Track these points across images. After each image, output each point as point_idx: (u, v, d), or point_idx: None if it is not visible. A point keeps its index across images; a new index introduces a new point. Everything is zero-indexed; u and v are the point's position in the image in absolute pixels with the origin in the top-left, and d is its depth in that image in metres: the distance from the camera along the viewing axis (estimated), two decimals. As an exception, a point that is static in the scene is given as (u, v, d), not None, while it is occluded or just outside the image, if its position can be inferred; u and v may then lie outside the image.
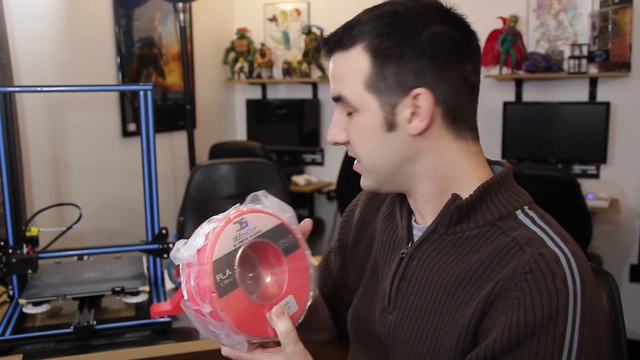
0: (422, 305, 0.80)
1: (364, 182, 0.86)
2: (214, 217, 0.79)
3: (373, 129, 0.79)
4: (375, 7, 0.80)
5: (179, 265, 0.76)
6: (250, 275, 0.81)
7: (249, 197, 0.85)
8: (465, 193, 0.80)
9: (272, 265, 0.82)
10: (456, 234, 0.80)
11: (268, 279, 0.82)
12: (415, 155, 0.80)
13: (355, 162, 0.86)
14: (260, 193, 0.85)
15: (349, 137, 0.83)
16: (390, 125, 0.78)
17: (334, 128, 0.84)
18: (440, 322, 0.78)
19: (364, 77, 0.78)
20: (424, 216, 0.85)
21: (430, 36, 0.76)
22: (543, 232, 0.75)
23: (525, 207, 0.80)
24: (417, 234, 0.86)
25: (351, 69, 0.79)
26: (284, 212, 0.84)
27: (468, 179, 0.81)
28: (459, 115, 0.79)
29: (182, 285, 0.76)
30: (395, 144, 0.79)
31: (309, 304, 0.82)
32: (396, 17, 0.77)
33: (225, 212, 0.79)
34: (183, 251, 0.75)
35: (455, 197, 0.79)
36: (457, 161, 0.81)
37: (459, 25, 0.79)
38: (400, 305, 0.83)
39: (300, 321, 0.81)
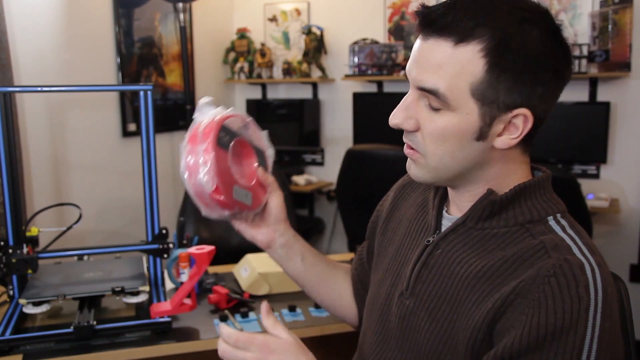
0: (441, 294, 0.81)
1: (417, 172, 0.81)
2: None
3: (462, 134, 0.74)
4: (509, 1, 0.72)
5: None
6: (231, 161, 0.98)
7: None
8: (500, 189, 0.80)
9: (247, 169, 1.01)
10: (484, 230, 0.80)
11: (243, 172, 1.00)
12: (486, 163, 0.79)
13: (408, 148, 0.81)
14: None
15: (419, 128, 0.77)
16: (481, 136, 0.75)
17: (402, 112, 0.77)
18: (457, 314, 0.78)
19: (473, 81, 0.72)
20: (460, 209, 0.84)
21: (550, 56, 0.72)
22: (571, 240, 0.75)
23: (558, 215, 0.80)
24: (446, 224, 0.86)
25: (460, 66, 0.71)
26: (268, 150, 1.06)
27: (514, 183, 0.81)
28: (535, 134, 0.79)
29: (187, 133, 0.94)
30: (475, 152, 0.76)
31: (258, 209, 1.00)
32: (520, 23, 0.70)
33: (232, 110, 0.97)
34: (205, 109, 0.95)
35: (490, 192, 0.79)
36: (516, 170, 0.81)
37: (565, 45, 0.75)
38: (419, 293, 0.84)
39: (247, 214, 1.00)
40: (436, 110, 0.75)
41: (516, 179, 0.81)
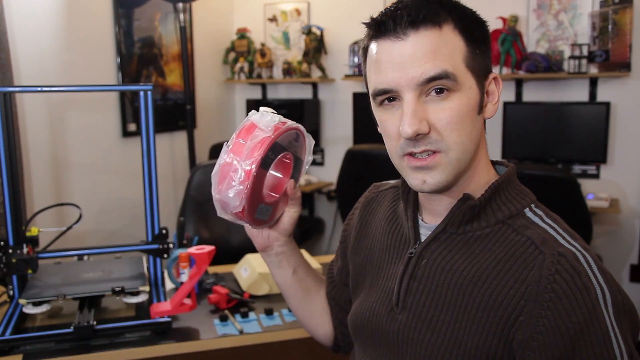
0: (437, 304, 0.80)
1: (438, 178, 0.77)
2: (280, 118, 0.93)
3: (472, 109, 0.77)
4: None
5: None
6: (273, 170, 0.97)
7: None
8: (472, 190, 0.81)
9: (280, 178, 0.99)
10: (467, 233, 0.80)
11: (273, 183, 0.98)
12: (480, 140, 0.82)
13: (424, 157, 0.77)
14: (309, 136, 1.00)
15: (435, 126, 0.75)
16: (481, 107, 0.79)
17: (414, 118, 0.74)
18: (460, 321, 0.77)
19: (464, 56, 0.76)
20: (434, 215, 0.85)
21: (485, 24, 0.81)
22: (553, 230, 0.77)
23: (532, 205, 0.82)
24: (425, 232, 0.86)
25: (450, 46, 0.75)
26: (309, 160, 1.02)
27: (476, 176, 0.82)
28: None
29: (234, 135, 0.89)
30: (479, 127, 0.80)
31: (271, 222, 1.00)
32: (468, 7, 0.80)
33: (291, 122, 0.93)
34: (265, 118, 0.90)
35: (467, 197, 0.80)
36: (485, 153, 0.84)
37: None
38: (411, 306, 0.83)
39: (258, 227, 0.99)
40: (444, 97, 0.75)
41: (480, 174, 0.82)
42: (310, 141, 1.00)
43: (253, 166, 0.86)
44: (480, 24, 0.80)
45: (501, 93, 0.83)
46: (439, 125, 0.75)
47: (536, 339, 0.72)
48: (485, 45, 0.79)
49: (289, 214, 1.01)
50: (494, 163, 0.87)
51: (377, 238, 0.95)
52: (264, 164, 0.88)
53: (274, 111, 0.92)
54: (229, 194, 0.87)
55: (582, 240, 0.77)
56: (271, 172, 0.94)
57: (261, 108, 0.92)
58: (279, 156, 0.93)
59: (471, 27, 0.78)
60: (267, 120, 0.89)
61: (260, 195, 0.92)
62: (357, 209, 1.04)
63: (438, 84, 0.74)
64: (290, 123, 0.92)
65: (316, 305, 1.10)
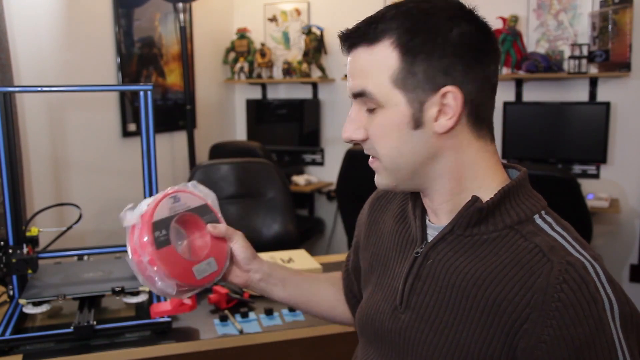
0: (440, 305, 0.80)
1: (380, 180, 0.85)
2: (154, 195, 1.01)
3: (399, 126, 0.78)
4: (400, 4, 0.79)
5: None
6: (180, 243, 1.01)
7: (181, 185, 1.04)
8: (483, 194, 0.80)
9: (199, 235, 1.02)
10: (474, 236, 0.80)
11: (196, 243, 1.02)
12: (438, 154, 0.80)
13: (370, 158, 0.85)
14: (191, 183, 1.05)
15: (367, 135, 0.82)
16: (417, 123, 0.78)
17: (350, 125, 0.82)
18: (463, 323, 0.77)
19: (392, 73, 0.77)
20: (439, 216, 0.84)
21: (460, 34, 0.76)
22: (562, 238, 0.76)
23: (542, 212, 0.80)
24: (432, 233, 0.85)
25: (377, 64, 0.78)
26: (208, 197, 1.05)
27: (486, 180, 0.81)
28: (482, 115, 0.80)
29: (127, 244, 0.95)
30: (420, 142, 0.79)
31: (226, 266, 1.02)
32: (425, 14, 0.77)
33: (163, 191, 0.99)
34: (129, 215, 0.96)
35: (475, 199, 0.79)
36: (477, 160, 0.81)
37: (482, 26, 0.79)
38: (415, 305, 0.83)
39: (218, 278, 1.02)
40: (372, 111, 0.80)
41: (491, 178, 0.81)
42: (192, 185, 1.04)
43: (149, 255, 0.93)
44: (431, 33, 0.76)
45: (491, 99, 0.82)
46: (370, 135, 0.82)
47: (540, 347, 0.71)
48: (434, 57, 0.76)
49: (235, 246, 1.03)
50: (507, 166, 0.86)
51: (385, 236, 0.95)
52: (159, 244, 0.94)
53: (131, 206, 0.97)
54: (158, 286, 0.95)
55: (592, 250, 0.76)
56: (178, 237, 1.00)
57: (123, 212, 0.97)
58: (171, 225, 0.97)
59: (415, 41, 0.76)
60: (135, 214, 0.96)
61: (184, 264, 0.96)
62: (367, 204, 1.04)
63: (362, 100, 0.80)
64: (151, 200, 0.97)
65: (322, 304, 1.13)
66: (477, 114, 0.79)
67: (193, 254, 1.00)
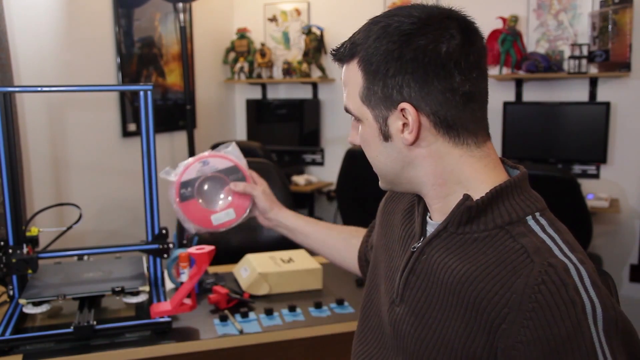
0: (430, 301, 0.81)
1: (380, 182, 0.92)
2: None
3: (373, 138, 0.85)
4: (375, 20, 0.82)
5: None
6: (222, 196, 1.42)
7: (221, 146, 1.42)
8: (476, 195, 0.80)
9: (227, 190, 1.41)
10: (465, 235, 0.80)
11: (222, 197, 1.42)
12: (414, 162, 0.83)
13: None
14: (228, 144, 1.41)
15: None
16: (385, 136, 0.83)
17: (352, 131, 0.91)
18: (449, 319, 0.78)
19: (360, 90, 0.83)
20: (436, 214, 0.86)
21: (413, 51, 0.77)
22: (551, 241, 0.75)
23: (537, 214, 0.79)
24: (430, 230, 0.87)
25: (351, 81, 0.84)
26: (240, 159, 1.42)
27: (473, 183, 0.81)
28: (453, 124, 0.80)
29: (173, 192, 1.40)
30: (393, 152, 0.84)
31: (243, 216, 1.41)
32: (385, 33, 0.79)
33: (197, 155, 1.38)
34: (172, 174, 1.41)
35: (466, 197, 0.80)
36: (459, 167, 0.81)
37: (457, 34, 0.77)
38: (408, 299, 0.85)
39: (236, 224, 1.41)
40: (359, 123, 0.87)
41: (482, 179, 0.81)
42: (226, 148, 1.41)
43: (175, 204, 1.40)
44: (387, 53, 0.78)
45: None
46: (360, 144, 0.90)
47: (517, 348, 0.71)
48: (389, 76, 0.79)
49: (257, 196, 1.38)
50: (512, 167, 0.86)
51: (394, 228, 0.98)
52: (184, 198, 1.39)
53: (167, 169, 1.41)
54: (187, 227, 1.41)
55: (583, 253, 0.75)
56: (203, 194, 1.41)
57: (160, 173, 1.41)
58: (196, 183, 1.39)
59: (371, 61, 0.80)
60: (172, 173, 1.42)
61: (204, 214, 1.39)
62: (385, 197, 1.08)
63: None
64: (185, 162, 1.40)
65: (333, 254, 1.34)
66: (446, 124, 0.79)
67: (218, 203, 1.41)
